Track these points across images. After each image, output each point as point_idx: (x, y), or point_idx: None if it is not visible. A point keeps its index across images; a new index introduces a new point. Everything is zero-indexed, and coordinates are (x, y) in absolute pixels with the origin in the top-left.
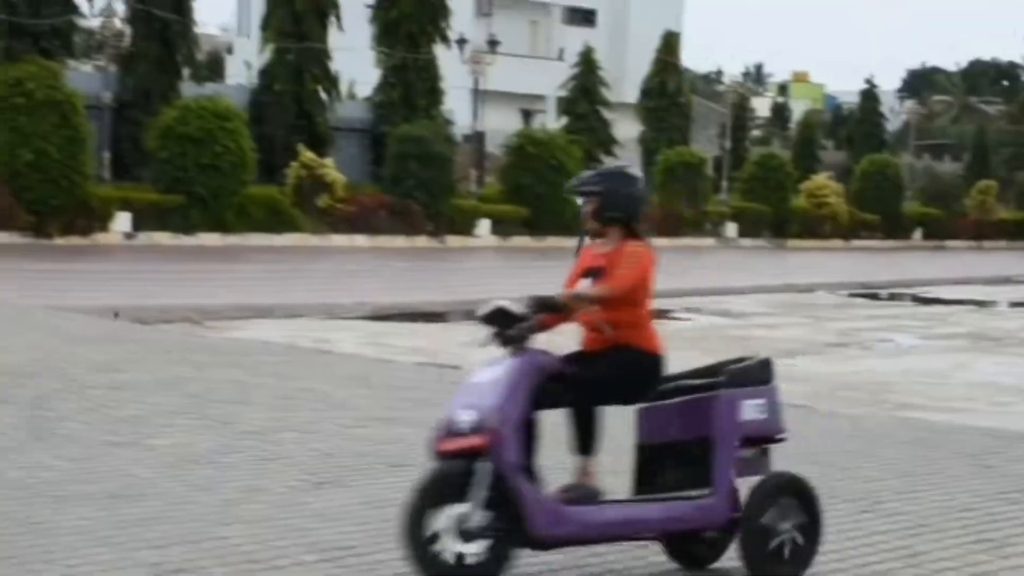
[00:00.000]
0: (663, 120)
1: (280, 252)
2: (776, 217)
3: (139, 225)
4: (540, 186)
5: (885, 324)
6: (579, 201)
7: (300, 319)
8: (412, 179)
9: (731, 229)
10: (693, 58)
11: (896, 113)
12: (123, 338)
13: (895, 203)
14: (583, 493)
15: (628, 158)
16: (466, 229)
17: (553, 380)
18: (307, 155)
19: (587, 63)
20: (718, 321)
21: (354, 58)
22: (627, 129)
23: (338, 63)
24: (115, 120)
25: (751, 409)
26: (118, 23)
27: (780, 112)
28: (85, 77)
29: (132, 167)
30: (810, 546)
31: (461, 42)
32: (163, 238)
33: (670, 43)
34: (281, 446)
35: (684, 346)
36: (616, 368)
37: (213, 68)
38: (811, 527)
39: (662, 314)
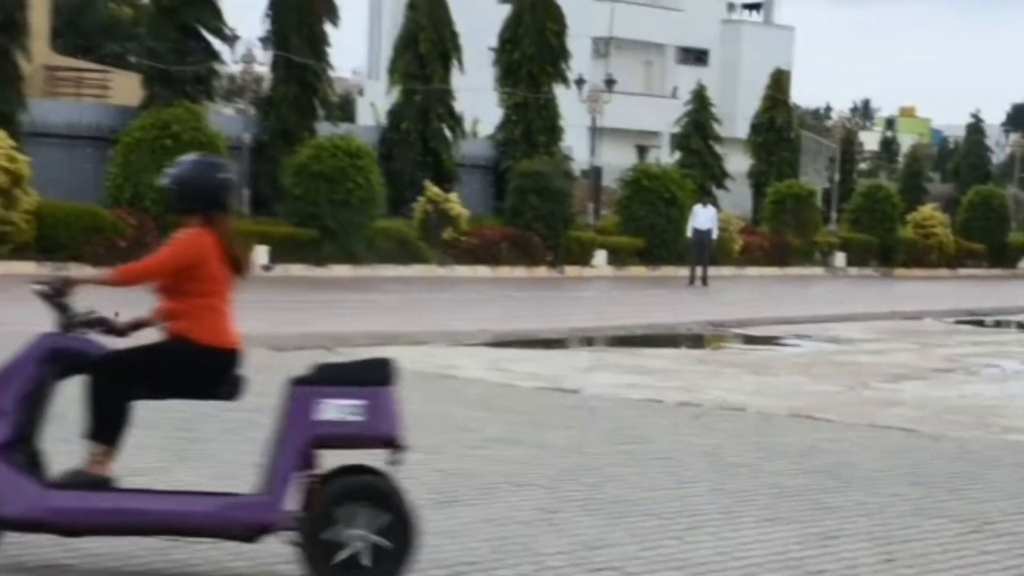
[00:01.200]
0: (773, 154)
1: (407, 282)
2: (883, 247)
3: (275, 258)
4: (654, 218)
5: (991, 350)
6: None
7: (425, 345)
8: (532, 212)
9: (839, 258)
10: (802, 94)
11: (1001, 146)
12: (262, 365)
13: (1000, 233)
14: (84, 479)
15: (739, 191)
16: (583, 259)
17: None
18: (433, 190)
19: (700, 100)
20: (826, 347)
21: (477, 98)
22: (738, 163)
23: (462, 103)
24: (254, 159)
25: (335, 410)
26: (257, 68)
27: (888, 145)
28: (226, 119)
29: (269, 203)
30: (401, 548)
31: (580, 82)
32: (298, 270)
33: (779, 80)
34: (407, 466)
35: (793, 371)
36: (156, 357)
37: (346, 109)
38: (398, 527)
39: (771, 340)
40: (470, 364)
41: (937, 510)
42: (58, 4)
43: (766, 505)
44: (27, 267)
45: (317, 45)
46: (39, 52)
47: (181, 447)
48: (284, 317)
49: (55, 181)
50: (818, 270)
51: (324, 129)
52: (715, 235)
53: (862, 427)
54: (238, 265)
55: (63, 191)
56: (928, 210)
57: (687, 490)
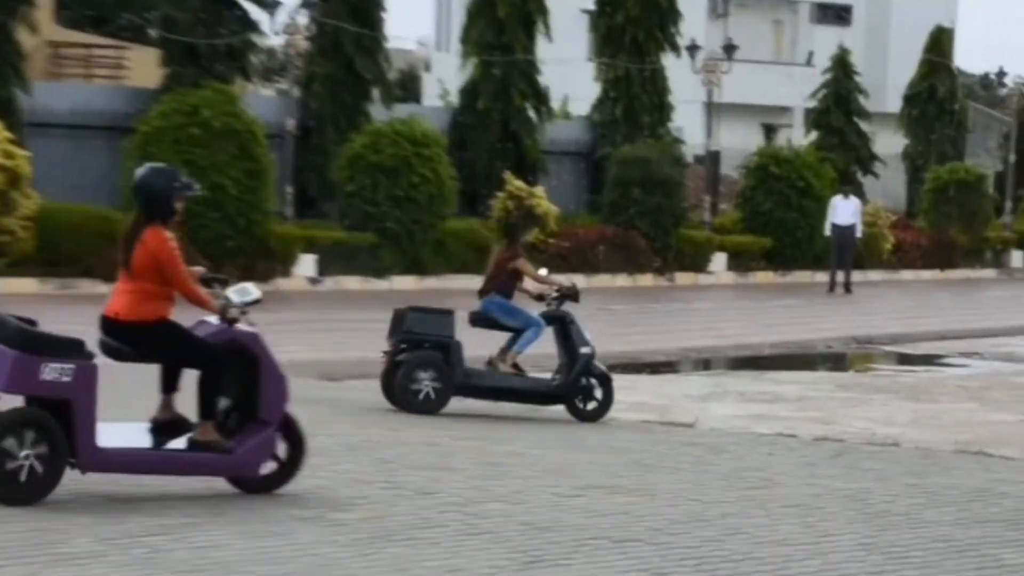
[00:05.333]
0: (932, 131)
1: None
2: None
3: (325, 268)
4: (785, 212)
5: None
6: (183, 200)
7: None
8: (635, 208)
9: (1017, 258)
10: (969, 57)
11: None
12: (311, 397)
13: None
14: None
15: (890, 177)
16: (698, 264)
17: None
18: (515, 183)
19: (841, 67)
20: (1002, 367)
21: (568, 72)
22: (889, 143)
23: (549, 77)
24: (298, 150)
25: None
26: (302, 41)
27: None
28: (265, 102)
29: (317, 202)
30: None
31: (693, 49)
32: (352, 282)
33: (940, 41)
34: (486, 519)
35: (960, 397)
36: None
37: (408, 87)
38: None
39: (931, 359)
40: None
41: None
42: None
43: (927, 563)
44: (27, 284)
45: (370, 10)
46: (42, 26)
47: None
48: (336, 340)
49: (59, 179)
50: (990, 272)
51: (381, 113)
52: (859, 232)
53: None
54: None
55: (69, 191)
56: None
57: (828, 545)
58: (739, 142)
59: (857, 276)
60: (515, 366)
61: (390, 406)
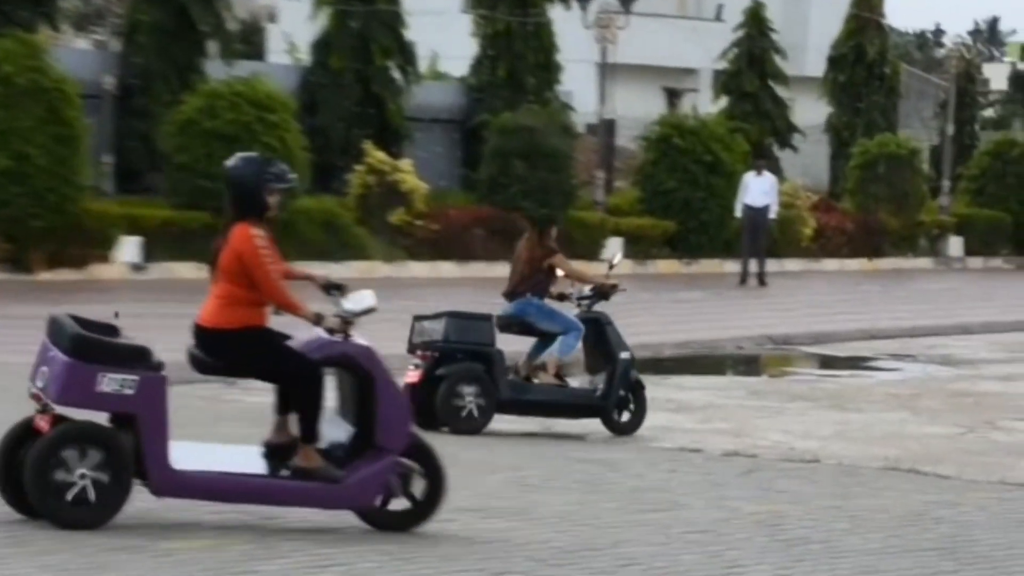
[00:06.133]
0: (859, 98)
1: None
2: (1018, 227)
3: (151, 253)
4: (690, 191)
5: None
6: (277, 193)
7: None
8: (518, 185)
9: (955, 245)
10: (901, 14)
11: None
12: None
13: None
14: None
15: (812, 152)
16: (590, 250)
17: None
18: (376, 155)
19: (755, 24)
20: (937, 372)
21: (438, 25)
22: (810, 111)
23: (416, 32)
24: (119, 113)
25: None
26: None
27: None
28: (79, 56)
29: (141, 175)
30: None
31: (584, 0)
32: (183, 269)
33: None
34: (340, 547)
35: (890, 406)
36: None
37: (250, 41)
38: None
39: (857, 362)
40: None
41: None
42: None
43: None
44: None
45: None
46: None
47: None
48: (162, 338)
49: None
50: (924, 262)
51: (218, 70)
52: (775, 214)
53: (989, 485)
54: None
55: None
56: None
57: None
58: (637, 109)
59: (772, 266)
60: (558, 375)
61: (231, 413)
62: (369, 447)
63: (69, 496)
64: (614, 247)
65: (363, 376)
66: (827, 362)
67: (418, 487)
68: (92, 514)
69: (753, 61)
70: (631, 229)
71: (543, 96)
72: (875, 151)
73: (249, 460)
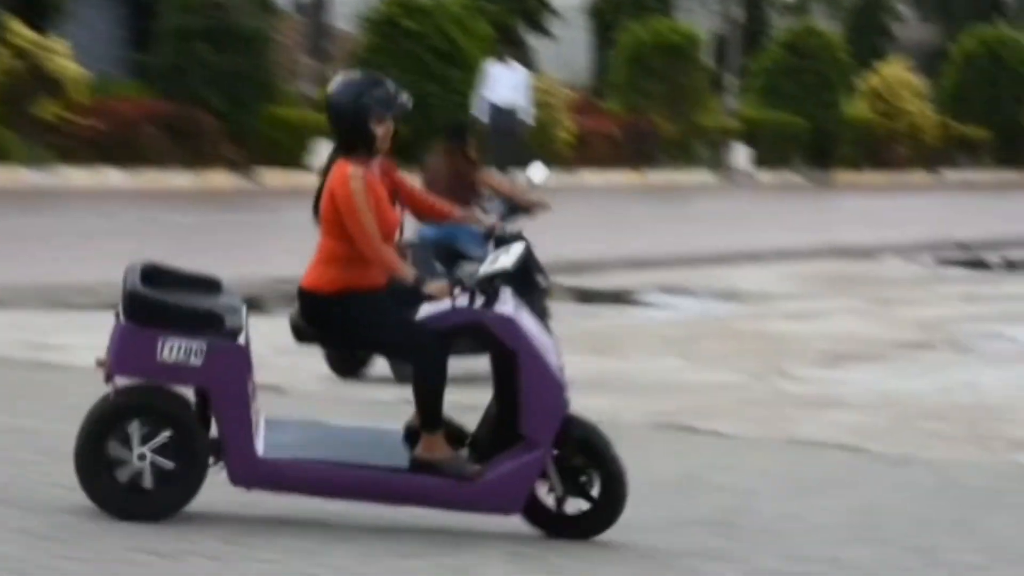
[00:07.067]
0: None
1: None
2: (817, 135)
3: None
4: (422, 84)
5: (998, 310)
6: (387, 121)
7: (14, 310)
8: (202, 74)
9: (741, 155)
10: None
11: None
12: None
13: (1016, 108)
14: None
15: (570, 39)
16: (293, 157)
17: None
18: (22, 33)
19: None
20: (717, 308)
21: None
22: None
23: None
24: None
25: None
26: None
27: None
28: None
29: None
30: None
31: None
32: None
33: None
34: None
35: (660, 350)
36: None
37: None
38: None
39: (624, 297)
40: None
41: None
42: None
43: None
44: None
45: None
46: None
47: None
48: None
49: None
50: (705, 175)
51: None
52: (528, 116)
53: (775, 444)
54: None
55: None
56: (895, 69)
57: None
58: None
59: (521, 178)
60: None
61: None
62: (516, 438)
63: (124, 478)
64: (535, 163)
65: (501, 351)
66: (585, 296)
67: (595, 484)
68: (148, 504)
69: None
70: None
71: None
72: (646, 40)
73: (365, 446)
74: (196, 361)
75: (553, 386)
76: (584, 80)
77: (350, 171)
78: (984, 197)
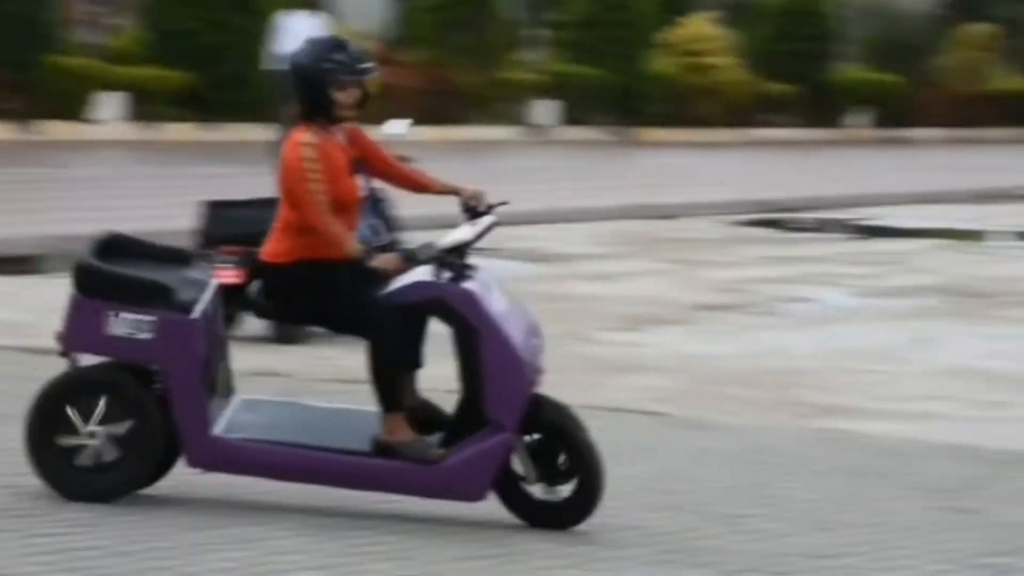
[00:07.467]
0: None
1: None
2: (623, 89)
3: None
4: (211, 34)
5: (802, 272)
6: (350, 87)
7: None
8: None
9: (544, 110)
10: None
11: None
12: None
13: (825, 65)
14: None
15: None
16: (76, 107)
17: None
18: None
19: None
20: (521, 269)
21: None
22: None
23: None
24: None
25: None
26: None
27: None
28: None
29: None
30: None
31: None
32: None
33: None
34: None
35: None
36: None
37: None
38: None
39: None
40: None
41: (691, 555)
42: None
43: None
44: None
45: None
46: None
47: None
48: None
49: None
50: (508, 131)
51: None
52: None
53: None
54: None
55: None
56: (701, 22)
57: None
58: None
59: None
60: None
61: None
62: (481, 421)
63: (77, 460)
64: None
65: (462, 327)
66: None
67: (570, 470)
68: (108, 482)
69: None
70: (134, 81)
71: None
72: None
73: (331, 429)
74: (145, 335)
75: (517, 366)
76: (385, 31)
77: (303, 138)
78: (792, 155)
